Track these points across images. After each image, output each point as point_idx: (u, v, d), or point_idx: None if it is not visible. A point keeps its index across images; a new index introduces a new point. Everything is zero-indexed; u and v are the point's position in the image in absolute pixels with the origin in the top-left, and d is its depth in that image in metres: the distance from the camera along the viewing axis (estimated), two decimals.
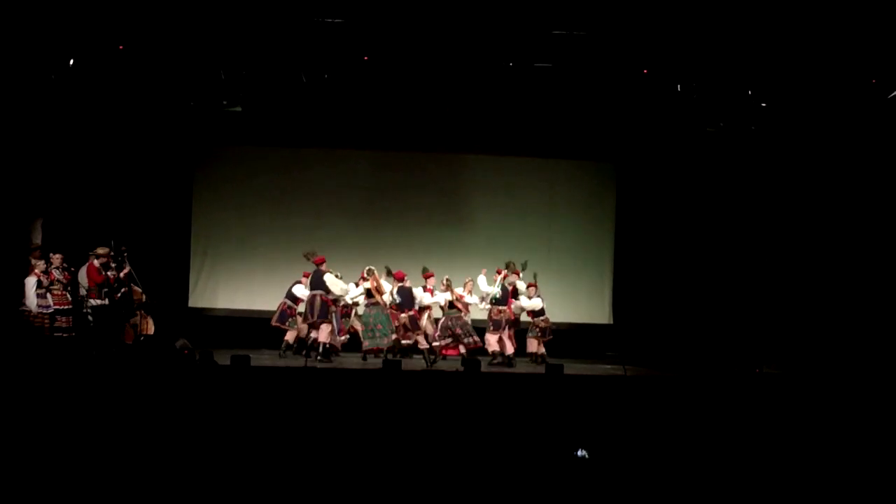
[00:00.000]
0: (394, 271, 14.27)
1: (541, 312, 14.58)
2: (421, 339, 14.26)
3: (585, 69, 13.97)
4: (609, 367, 13.95)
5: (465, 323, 14.42)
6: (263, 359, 13.37)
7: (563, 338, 14.92)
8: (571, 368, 12.57)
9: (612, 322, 16.42)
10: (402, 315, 14.12)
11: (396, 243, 15.58)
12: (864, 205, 15.21)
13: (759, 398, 10.17)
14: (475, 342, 14.33)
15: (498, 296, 14.23)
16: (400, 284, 14.20)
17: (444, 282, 14.48)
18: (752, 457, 7.17)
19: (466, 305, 14.59)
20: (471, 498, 6.13)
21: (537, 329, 14.59)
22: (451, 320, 14.40)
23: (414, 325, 14.20)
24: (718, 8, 12.88)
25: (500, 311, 14.26)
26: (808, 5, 12.74)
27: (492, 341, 14.25)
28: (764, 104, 14.33)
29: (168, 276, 15.40)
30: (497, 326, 14.23)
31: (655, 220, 16.13)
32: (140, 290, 13.74)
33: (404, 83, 14.20)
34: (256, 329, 15.24)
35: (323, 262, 13.99)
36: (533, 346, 14.60)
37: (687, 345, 15.07)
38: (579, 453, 6.83)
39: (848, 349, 14.44)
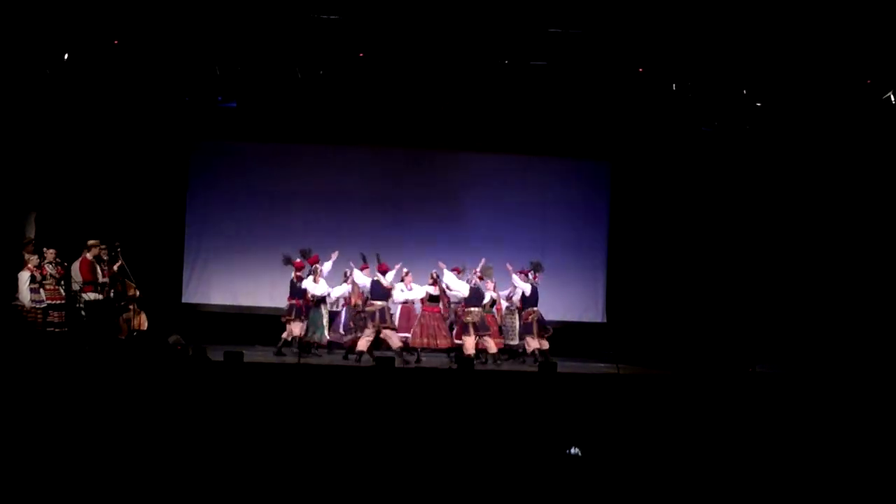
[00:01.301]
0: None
1: (471, 302, 14.07)
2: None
3: (581, 67, 13.98)
4: (602, 365, 13.96)
5: (359, 317, 14.18)
6: (256, 355, 13.36)
7: (557, 336, 14.91)
8: (565, 367, 12.59)
9: (605, 320, 16.43)
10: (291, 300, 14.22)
11: (389, 239, 15.53)
12: (859, 204, 15.26)
13: (752, 397, 10.20)
14: (352, 339, 14.16)
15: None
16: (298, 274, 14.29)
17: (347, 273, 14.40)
18: (745, 455, 7.19)
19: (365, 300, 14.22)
20: (463, 496, 6.13)
21: (461, 321, 14.16)
22: (349, 313, 14.37)
23: (291, 312, 14.17)
24: (714, 7, 12.89)
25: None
26: (803, 5, 12.76)
27: (468, 343, 14.04)
28: (759, 104, 14.36)
29: (162, 272, 15.35)
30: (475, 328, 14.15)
31: (650, 218, 16.13)
32: (134, 285, 13.73)
33: (399, 80, 14.19)
34: (250, 325, 15.26)
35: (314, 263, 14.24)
36: (470, 345, 14.01)
37: (680, 343, 15.08)
38: (571, 451, 6.84)
39: (842, 348, 14.48)
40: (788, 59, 13.62)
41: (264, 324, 14.93)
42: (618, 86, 14.26)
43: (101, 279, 13.17)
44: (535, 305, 14.52)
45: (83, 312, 13.05)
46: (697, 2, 12.91)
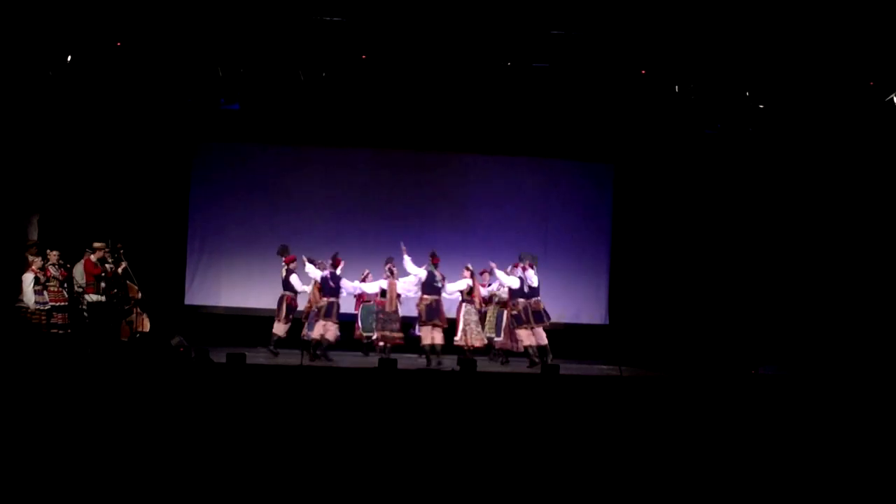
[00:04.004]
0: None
1: (426, 290, 14.16)
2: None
3: (583, 69, 13.98)
4: (605, 367, 13.95)
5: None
6: (259, 356, 13.36)
7: (560, 338, 14.90)
8: (567, 369, 12.58)
9: (608, 322, 16.42)
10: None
11: (392, 241, 15.51)
12: (862, 207, 15.24)
13: (755, 399, 10.19)
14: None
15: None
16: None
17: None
18: (748, 458, 7.18)
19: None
20: (466, 497, 6.13)
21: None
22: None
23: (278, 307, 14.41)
24: (716, 9, 12.89)
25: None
26: (806, 7, 12.76)
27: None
28: (762, 106, 14.35)
29: (164, 274, 15.38)
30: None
31: (652, 220, 16.14)
32: (136, 286, 13.74)
33: (402, 82, 14.19)
34: (252, 327, 15.25)
35: (293, 261, 14.29)
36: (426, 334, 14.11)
37: (683, 346, 15.08)
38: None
39: (845, 350, 14.46)
40: (791, 62, 13.60)
41: (267, 326, 14.93)
42: (620, 88, 14.26)
43: (103, 282, 13.20)
44: (525, 297, 14.22)
45: (86, 314, 13.07)
46: (700, 4, 12.90)
